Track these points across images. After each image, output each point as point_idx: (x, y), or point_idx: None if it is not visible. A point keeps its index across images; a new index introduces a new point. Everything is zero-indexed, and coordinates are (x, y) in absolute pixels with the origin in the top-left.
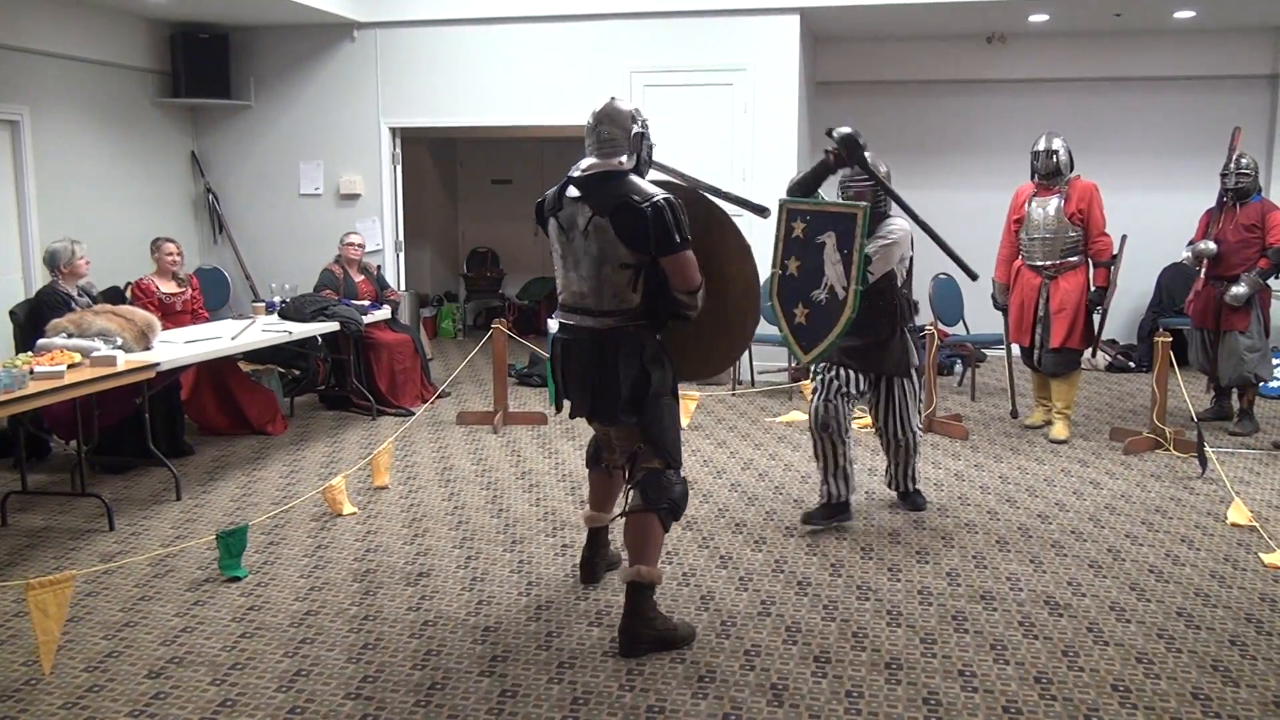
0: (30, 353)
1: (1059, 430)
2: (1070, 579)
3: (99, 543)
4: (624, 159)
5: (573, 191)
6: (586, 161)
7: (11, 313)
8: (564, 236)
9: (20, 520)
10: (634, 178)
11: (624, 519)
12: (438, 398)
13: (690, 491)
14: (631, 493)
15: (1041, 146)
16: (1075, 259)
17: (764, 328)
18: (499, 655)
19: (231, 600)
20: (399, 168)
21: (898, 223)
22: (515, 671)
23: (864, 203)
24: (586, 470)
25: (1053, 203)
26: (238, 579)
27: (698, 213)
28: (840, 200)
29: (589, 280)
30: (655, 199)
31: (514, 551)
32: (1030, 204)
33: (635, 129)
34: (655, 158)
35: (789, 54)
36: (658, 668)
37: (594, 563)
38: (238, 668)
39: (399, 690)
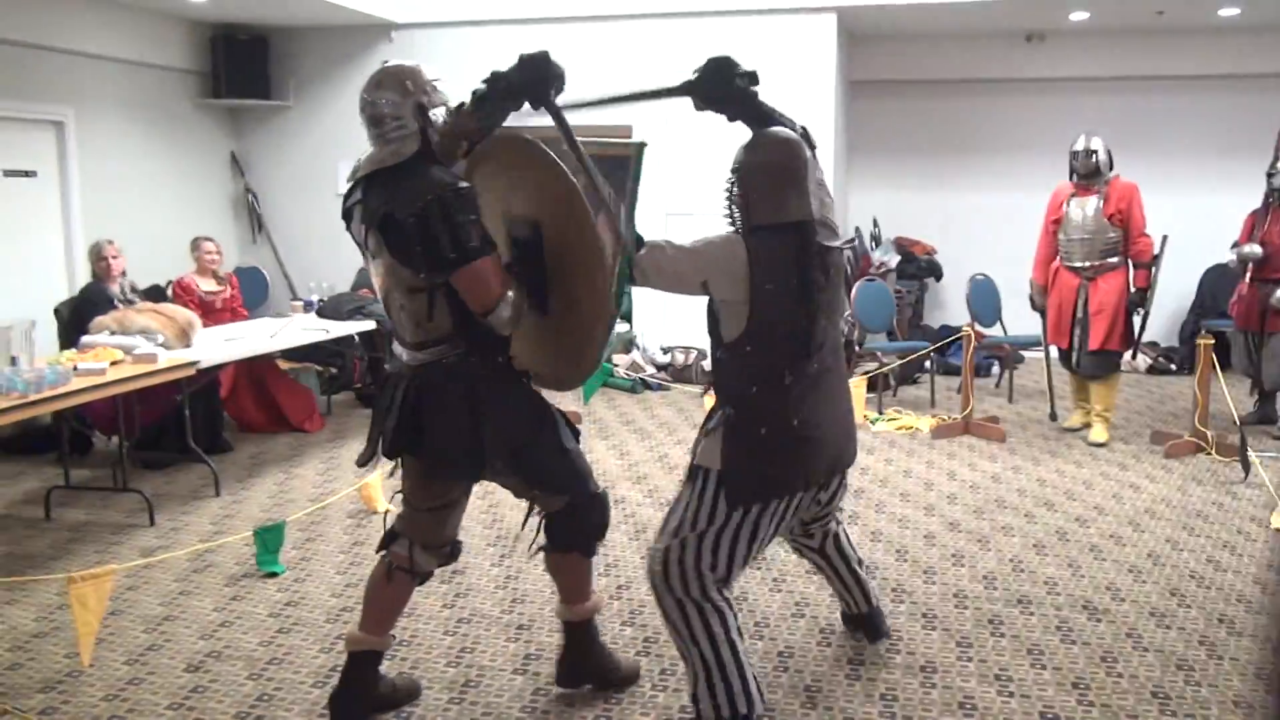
0: (74, 350)
1: (1098, 433)
2: (1109, 583)
3: (140, 537)
4: (406, 144)
5: (355, 195)
6: (365, 153)
7: (56, 310)
8: (362, 250)
9: (63, 514)
10: (426, 169)
11: (545, 555)
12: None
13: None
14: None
15: (1080, 146)
16: (1115, 260)
17: None
18: (532, 654)
19: (269, 596)
20: None
21: (722, 239)
22: (549, 670)
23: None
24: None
25: (1091, 203)
26: (275, 575)
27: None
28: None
29: (387, 304)
30: (421, 203)
31: None
32: (1069, 204)
33: (419, 98)
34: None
35: (825, 53)
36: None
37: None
38: (274, 662)
39: (433, 687)
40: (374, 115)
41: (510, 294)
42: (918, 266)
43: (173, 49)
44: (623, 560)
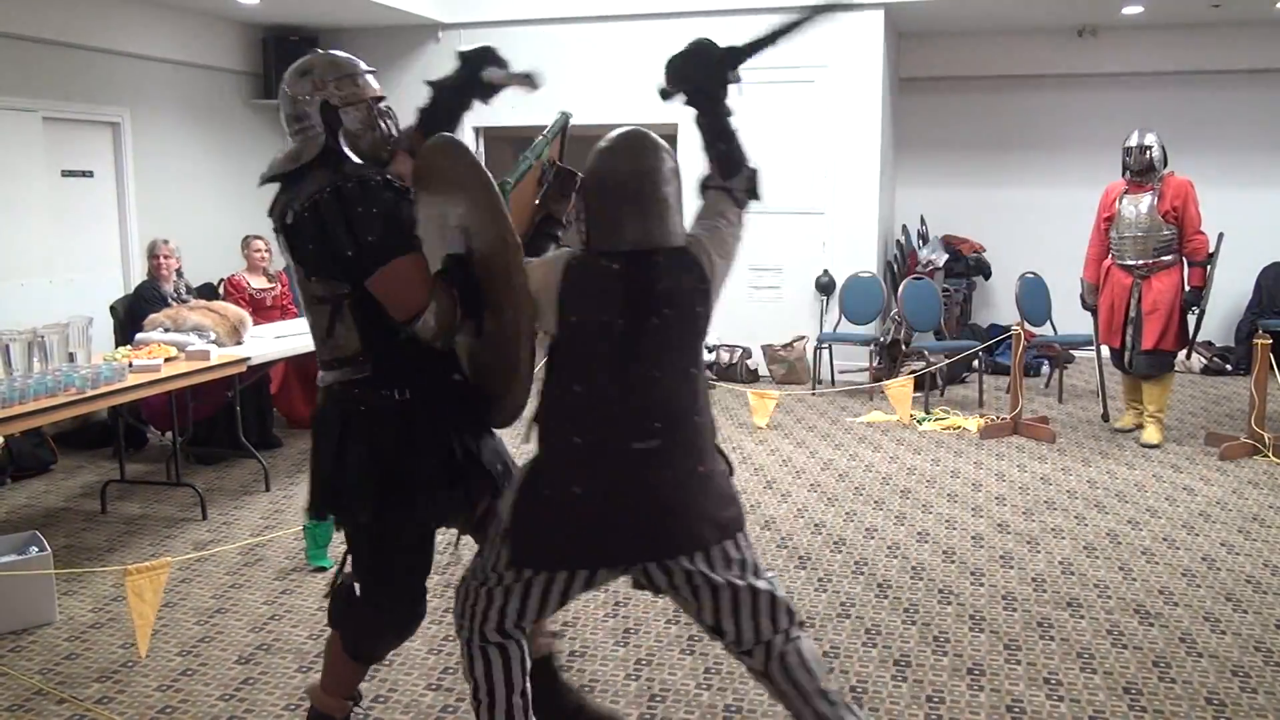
0: (129, 347)
1: (1151, 434)
2: (1162, 587)
3: (192, 531)
4: (308, 147)
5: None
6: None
7: (112, 308)
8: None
9: (119, 508)
10: (331, 165)
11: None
12: None
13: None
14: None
15: (1134, 142)
16: (1169, 258)
17: (844, 327)
18: (577, 651)
19: (317, 589)
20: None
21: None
22: (593, 668)
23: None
24: None
25: (1145, 200)
26: (323, 569)
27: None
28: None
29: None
30: (317, 196)
31: None
32: (1121, 201)
33: (325, 94)
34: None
35: (872, 50)
36: (735, 666)
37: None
38: (323, 655)
39: None
40: (286, 111)
41: (437, 302)
42: (966, 265)
43: (225, 50)
44: None
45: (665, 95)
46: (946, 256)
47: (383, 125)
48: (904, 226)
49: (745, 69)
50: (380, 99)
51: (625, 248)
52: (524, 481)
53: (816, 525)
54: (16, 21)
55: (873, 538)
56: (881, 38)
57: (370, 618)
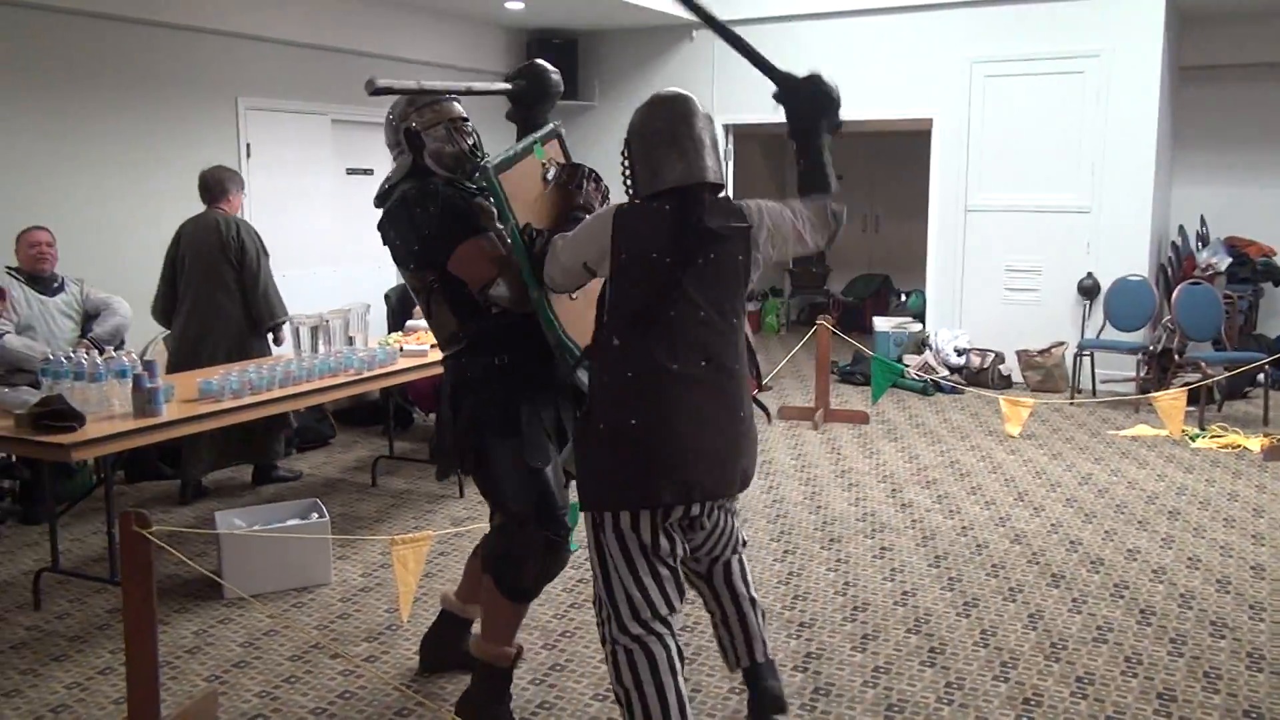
0: (400, 333)
1: None
2: None
3: (451, 507)
4: (398, 169)
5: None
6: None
7: (386, 296)
8: None
9: (387, 482)
10: (408, 183)
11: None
12: (759, 391)
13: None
14: None
15: None
16: None
17: (1109, 333)
18: (813, 653)
19: (564, 572)
20: (731, 164)
21: (597, 214)
22: (829, 670)
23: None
24: None
25: None
26: (570, 552)
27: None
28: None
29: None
30: (391, 202)
31: (830, 550)
32: None
33: (408, 123)
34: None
35: (1151, 37)
36: (979, 683)
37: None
38: (566, 635)
39: (713, 675)
40: (385, 139)
41: (507, 272)
42: (1253, 269)
43: (493, 54)
44: (908, 566)
45: (779, 100)
46: (1230, 260)
47: (463, 142)
48: (1180, 227)
49: (1005, 61)
50: (460, 119)
51: (669, 185)
52: (581, 425)
53: (1072, 543)
54: (310, 33)
55: (1135, 560)
56: (1162, 23)
57: (517, 539)
